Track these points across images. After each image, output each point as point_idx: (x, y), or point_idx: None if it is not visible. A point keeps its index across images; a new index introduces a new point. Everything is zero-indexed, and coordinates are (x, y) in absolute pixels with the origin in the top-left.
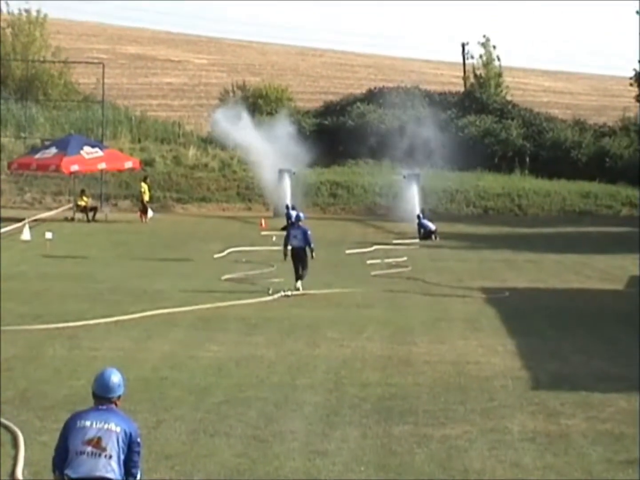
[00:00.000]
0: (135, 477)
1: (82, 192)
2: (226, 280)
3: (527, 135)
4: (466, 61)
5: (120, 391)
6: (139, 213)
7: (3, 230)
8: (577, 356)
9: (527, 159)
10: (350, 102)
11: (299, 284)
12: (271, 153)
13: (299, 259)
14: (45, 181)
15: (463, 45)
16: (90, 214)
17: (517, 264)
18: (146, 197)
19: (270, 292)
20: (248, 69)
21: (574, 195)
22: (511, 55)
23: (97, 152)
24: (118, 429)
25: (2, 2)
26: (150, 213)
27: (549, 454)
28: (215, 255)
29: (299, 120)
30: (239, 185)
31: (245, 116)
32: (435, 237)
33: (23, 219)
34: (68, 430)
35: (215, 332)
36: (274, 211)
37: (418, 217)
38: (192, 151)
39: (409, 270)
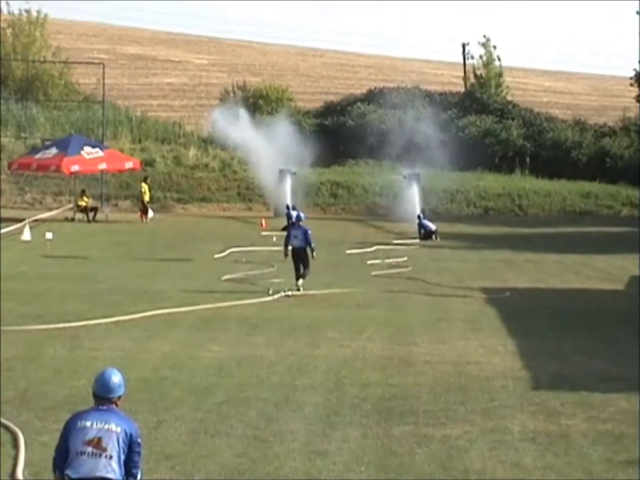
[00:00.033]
0: (136, 477)
1: (83, 193)
2: (226, 280)
3: (528, 135)
4: (466, 61)
5: (120, 391)
6: (139, 213)
7: (3, 230)
8: (578, 356)
9: (528, 159)
10: (350, 103)
11: (300, 282)
12: (272, 153)
13: (300, 259)
14: (45, 181)
15: (463, 46)
16: (91, 214)
17: (517, 264)
18: (147, 198)
19: (270, 292)
20: (248, 69)
21: (575, 196)
22: (511, 56)
23: (98, 153)
24: (118, 429)
25: (2, 2)
26: (150, 213)
27: (549, 454)
28: (216, 256)
29: (299, 120)
30: (239, 186)
31: (244, 115)
32: (436, 237)
33: (23, 219)
34: (68, 431)
35: (216, 332)
36: (275, 211)
37: (418, 217)
38: (192, 151)
39: (410, 271)
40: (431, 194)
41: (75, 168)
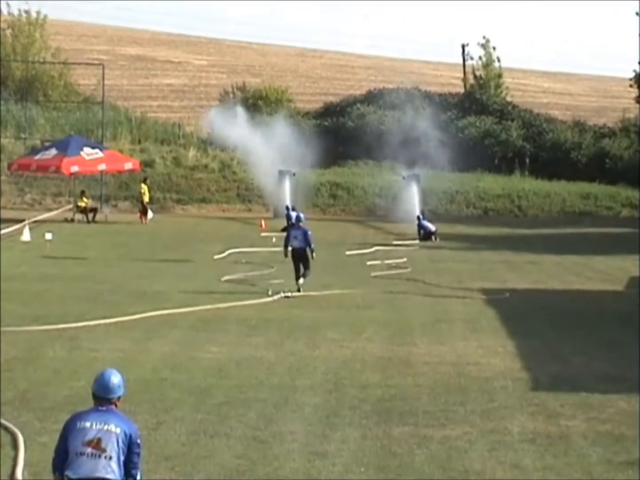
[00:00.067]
0: (135, 478)
1: (82, 193)
2: (226, 281)
3: (527, 136)
4: (466, 62)
5: (120, 392)
6: (139, 214)
7: (3, 231)
8: (577, 357)
9: (527, 160)
10: (350, 103)
11: (301, 281)
12: (271, 154)
13: (300, 260)
14: (45, 182)
15: (463, 47)
16: (90, 215)
17: (517, 265)
18: (146, 198)
19: (270, 293)
20: (248, 70)
21: (574, 197)
22: (511, 57)
23: (97, 153)
24: (118, 430)
25: (1, 3)
26: (150, 214)
27: (549, 455)
28: (215, 257)
29: (298, 121)
30: (239, 187)
31: (241, 113)
32: (435, 238)
33: (23, 220)
34: (68, 431)
35: (215, 333)
36: (274, 212)
37: (418, 218)
38: (192, 152)
39: (409, 272)
40: (431, 195)
41: (74, 169)
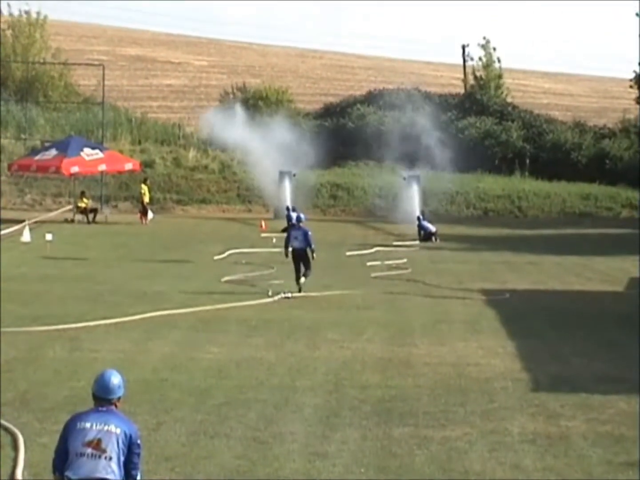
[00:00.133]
0: (135, 478)
1: (82, 194)
2: (226, 282)
3: (527, 137)
4: (466, 63)
5: (120, 393)
6: (139, 215)
7: (3, 231)
8: (577, 358)
9: (527, 161)
10: (350, 104)
11: (302, 280)
12: (271, 155)
13: (301, 260)
14: (45, 183)
15: (463, 47)
16: (91, 216)
17: (517, 265)
18: (146, 199)
19: (270, 293)
20: (248, 71)
21: (574, 197)
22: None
23: (97, 154)
24: (118, 431)
25: (1, 3)
26: (150, 215)
27: (549, 455)
28: (215, 257)
29: (299, 122)
30: (239, 187)
31: (239, 113)
32: (436, 239)
33: (23, 221)
34: (68, 432)
35: (215, 333)
36: (275, 213)
37: (418, 218)
38: (192, 153)
39: (409, 272)
40: (431, 196)
41: (75, 169)
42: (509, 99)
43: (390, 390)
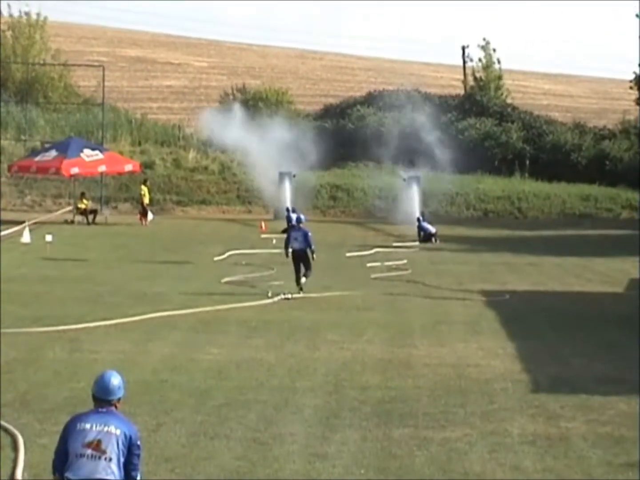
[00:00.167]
0: (135, 479)
1: (82, 195)
2: (226, 283)
3: (527, 138)
4: (466, 64)
5: (120, 394)
6: (139, 216)
7: (3, 233)
8: (577, 359)
9: (527, 162)
10: (350, 105)
11: (303, 280)
12: (271, 156)
13: (301, 261)
14: (45, 184)
15: (463, 48)
16: (90, 217)
17: (517, 266)
18: (146, 200)
19: (270, 294)
20: (248, 72)
21: (574, 198)
22: (511, 58)
23: (97, 155)
24: (118, 432)
25: (1, 4)
26: (150, 216)
27: (549, 456)
28: (215, 258)
29: (299, 123)
30: (239, 188)
31: (238, 112)
32: (435, 240)
33: (23, 222)
34: (68, 433)
35: (215, 334)
36: (274, 214)
37: (418, 219)
38: (192, 154)
39: (409, 273)
40: (431, 197)
41: (74, 170)
42: (508, 100)
43: (390, 391)
